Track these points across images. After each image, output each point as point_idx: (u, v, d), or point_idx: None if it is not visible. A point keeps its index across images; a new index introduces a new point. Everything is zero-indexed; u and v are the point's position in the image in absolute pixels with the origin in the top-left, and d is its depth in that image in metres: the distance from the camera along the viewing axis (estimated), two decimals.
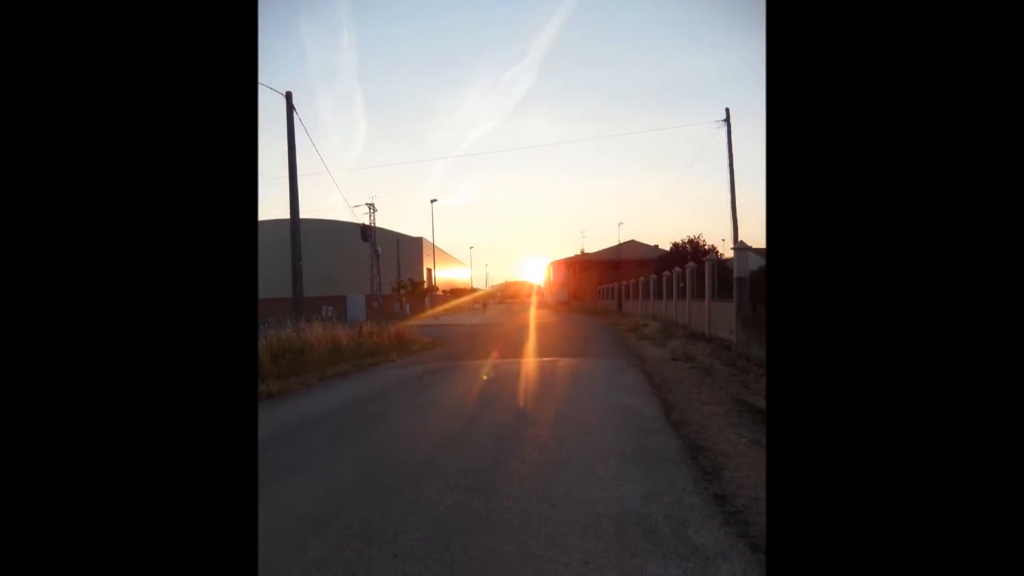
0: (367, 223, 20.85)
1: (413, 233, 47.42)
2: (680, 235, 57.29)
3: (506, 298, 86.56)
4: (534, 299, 65.74)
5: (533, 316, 32.40)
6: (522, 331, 19.69)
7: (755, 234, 68.66)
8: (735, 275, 10.07)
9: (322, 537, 2.86)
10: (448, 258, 62.73)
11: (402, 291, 37.02)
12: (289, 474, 3.98)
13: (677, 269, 16.50)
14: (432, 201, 41.39)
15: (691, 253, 25.42)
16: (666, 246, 33.90)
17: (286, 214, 13.66)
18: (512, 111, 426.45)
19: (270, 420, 5.86)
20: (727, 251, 16.21)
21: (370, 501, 3.37)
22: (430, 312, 36.78)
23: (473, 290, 70.65)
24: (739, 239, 15.27)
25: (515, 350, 12.87)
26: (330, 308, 22.97)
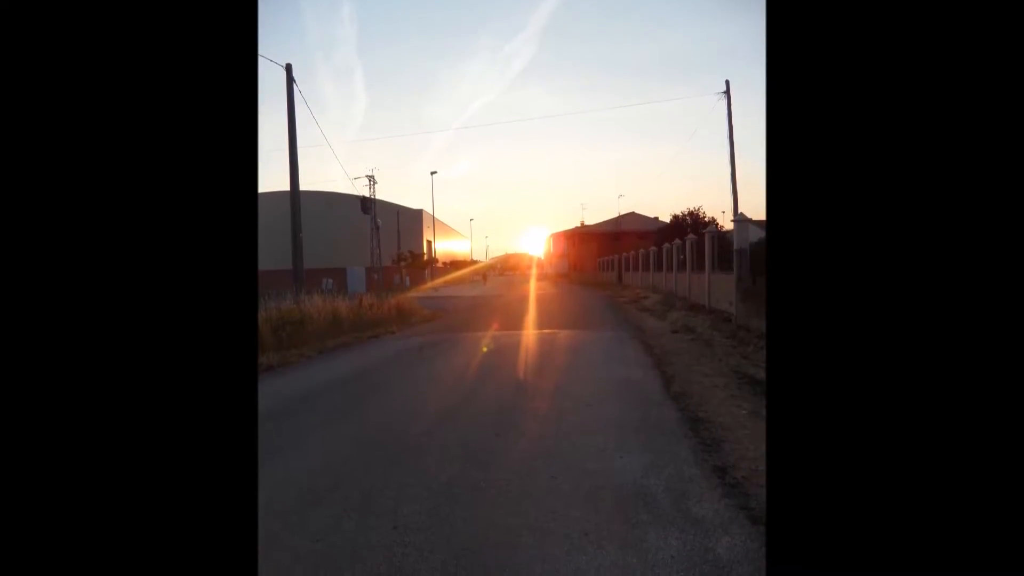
0: (367, 195, 20.67)
1: (413, 205, 47.15)
2: (680, 207, 56.91)
3: (506, 270, 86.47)
4: (534, 271, 65.79)
5: (533, 288, 32.38)
6: (522, 303, 19.70)
7: (755, 206, 68.27)
8: (735, 247, 10.01)
9: (322, 509, 2.87)
10: (448, 230, 62.53)
11: (402, 263, 36.94)
12: (289, 447, 3.99)
13: (677, 241, 16.40)
14: (432, 173, 41.10)
15: (691, 225, 25.25)
16: (666, 218, 33.74)
17: (286, 186, 13.56)
18: (512, 83, 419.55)
19: (270, 392, 5.87)
20: (727, 223, 16.12)
21: (370, 473, 3.38)
22: (430, 284, 36.73)
23: (473, 262, 70.55)
24: (739, 211, 15.15)
25: (515, 322, 12.88)
26: (330, 280, 22.93)
